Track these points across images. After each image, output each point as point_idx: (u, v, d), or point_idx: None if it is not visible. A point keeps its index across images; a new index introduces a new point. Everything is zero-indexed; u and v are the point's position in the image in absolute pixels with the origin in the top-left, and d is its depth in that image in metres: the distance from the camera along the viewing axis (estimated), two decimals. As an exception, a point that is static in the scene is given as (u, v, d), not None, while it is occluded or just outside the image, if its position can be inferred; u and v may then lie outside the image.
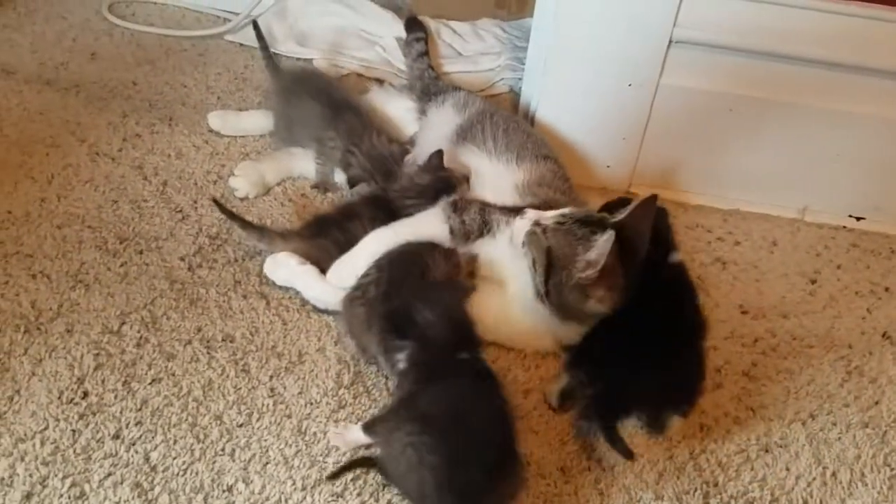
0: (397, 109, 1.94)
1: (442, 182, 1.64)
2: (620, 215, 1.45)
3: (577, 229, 1.43)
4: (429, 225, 1.56)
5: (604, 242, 1.37)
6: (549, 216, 1.46)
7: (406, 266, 1.47)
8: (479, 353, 1.35)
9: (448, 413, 1.24)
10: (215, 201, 1.65)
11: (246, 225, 1.62)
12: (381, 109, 1.94)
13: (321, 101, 1.80)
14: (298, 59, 2.17)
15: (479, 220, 1.55)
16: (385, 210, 1.62)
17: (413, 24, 2.22)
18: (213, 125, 1.91)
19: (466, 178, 1.67)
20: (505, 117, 1.81)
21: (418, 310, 1.34)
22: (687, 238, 1.85)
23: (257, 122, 1.93)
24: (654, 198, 1.46)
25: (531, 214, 1.48)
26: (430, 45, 2.18)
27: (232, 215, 1.63)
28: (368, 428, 1.30)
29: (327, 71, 2.13)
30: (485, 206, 1.57)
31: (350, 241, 1.55)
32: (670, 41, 1.75)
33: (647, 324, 1.41)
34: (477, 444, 1.21)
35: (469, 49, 2.27)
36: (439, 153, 1.67)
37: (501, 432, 1.25)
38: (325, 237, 1.57)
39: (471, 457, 1.19)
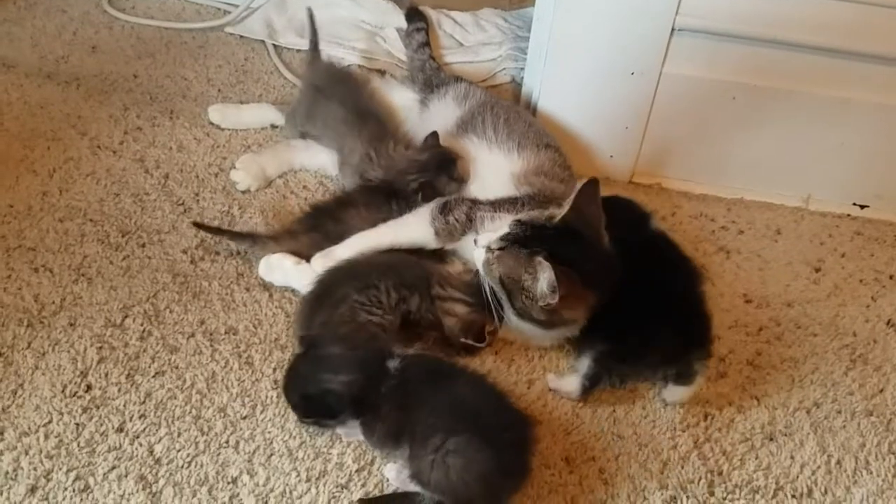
0: (399, 100, 1.93)
1: (441, 155, 1.65)
2: (563, 210, 1.41)
3: (517, 251, 1.39)
4: (414, 227, 1.57)
5: (546, 279, 1.34)
6: (495, 238, 1.42)
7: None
8: (400, 352, 1.35)
9: (448, 408, 1.25)
10: (196, 223, 1.62)
11: (235, 236, 1.62)
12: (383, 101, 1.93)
13: (347, 108, 1.76)
14: (299, 50, 2.17)
15: (464, 218, 1.55)
16: (381, 195, 1.62)
17: (414, 15, 2.21)
18: (213, 119, 1.90)
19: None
20: (506, 107, 1.80)
21: (330, 380, 1.29)
22: (690, 227, 1.84)
23: (257, 115, 1.92)
24: (593, 181, 1.43)
25: (482, 240, 1.44)
26: (430, 36, 2.17)
27: (218, 231, 1.62)
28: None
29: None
30: (473, 204, 1.57)
31: (344, 232, 1.55)
32: (673, 29, 1.74)
33: (646, 284, 1.43)
34: (486, 415, 1.25)
35: (470, 39, 2.26)
36: (434, 134, 1.68)
37: (493, 397, 1.31)
38: (317, 230, 1.57)
39: (494, 430, 1.23)
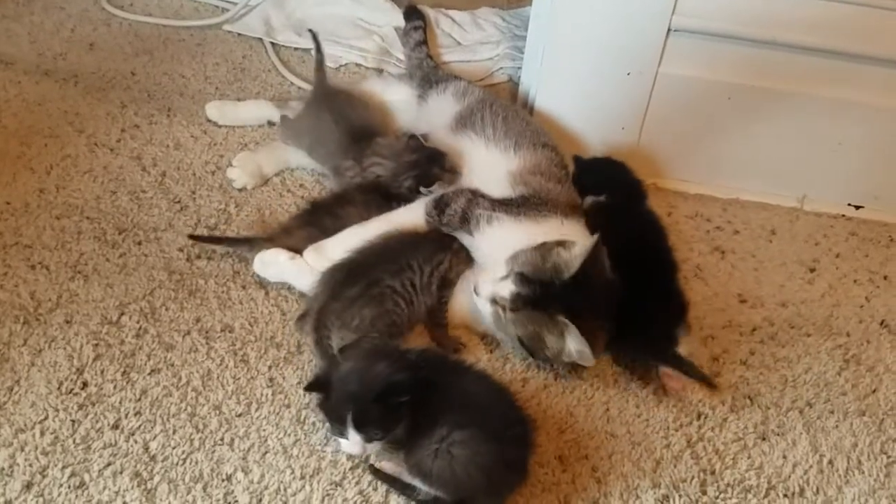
0: (396, 96, 1.93)
1: (429, 152, 1.65)
2: (572, 269, 1.38)
3: (534, 314, 1.39)
4: (409, 221, 1.57)
5: (575, 343, 1.36)
6: (502, 296, 1.40)
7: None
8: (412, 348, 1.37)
9: (456, 402, 1.26)
10: (191, 236, 1.62)
11: (232, 241, 1.62)
12: (379, 97, 1.93)
13: (342, 130, 1.73)
14: (297, 48, 2.17)
15: (459, 216, 1.55)
16: (381, 193, 1.62)
17: (411, 13, 2.21)
18: (210, 115, 1.91)
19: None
20: (504, 106, 1.80)
21: (384, 372, 1.25)
22: (686, 227, 1.85)
23: (254, 112, 1.93)
24: (596, 241, 1.40)
25: (484, 291, 1.43)
26: (428, 34, 2.18)
27: (214, 240, 1.63)
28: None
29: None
30: (471, 201, 1.57)
31: (340, 228, 1.56)
32: (669, 29, 1.74)
33: (636, 271, 1.46)
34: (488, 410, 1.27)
35: (468, 38, 2.26)
36: (413, 136, 1.68)
37: (498, 394, 1.33)
38: (313, 225, 1.57)
39: (497, 425, 1.25)
